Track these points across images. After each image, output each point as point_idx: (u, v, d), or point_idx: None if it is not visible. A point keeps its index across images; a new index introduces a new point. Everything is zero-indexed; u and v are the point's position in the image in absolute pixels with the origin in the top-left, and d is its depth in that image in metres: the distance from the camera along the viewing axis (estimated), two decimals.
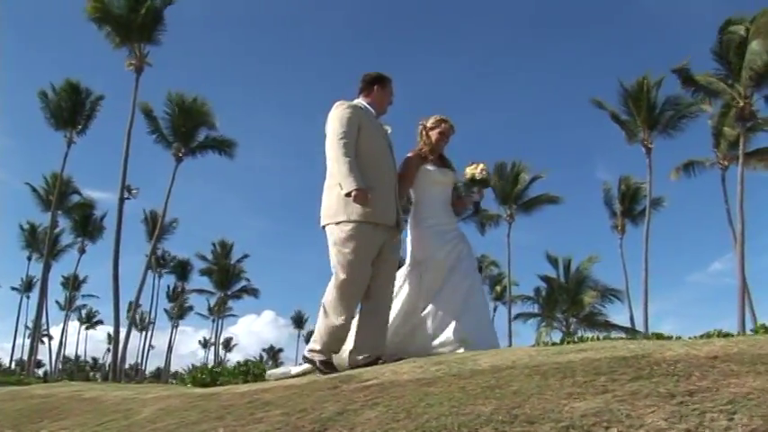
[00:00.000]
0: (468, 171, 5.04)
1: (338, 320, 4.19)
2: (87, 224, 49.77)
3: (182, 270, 63.97)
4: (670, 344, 2.86)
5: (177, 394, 4.55)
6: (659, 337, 6.64)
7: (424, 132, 4.97)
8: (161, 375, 65.99)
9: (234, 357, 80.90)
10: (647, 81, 33.04)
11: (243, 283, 61.90)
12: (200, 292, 63.67)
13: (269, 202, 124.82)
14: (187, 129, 35.98)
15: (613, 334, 31.79)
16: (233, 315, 68.83)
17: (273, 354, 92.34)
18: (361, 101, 4.61)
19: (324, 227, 4.40)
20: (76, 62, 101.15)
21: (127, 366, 49.22)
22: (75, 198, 47.50)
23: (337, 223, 4.26)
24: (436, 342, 4.48)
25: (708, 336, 5.71)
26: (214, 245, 60.79)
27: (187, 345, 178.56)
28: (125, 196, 33.08)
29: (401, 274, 4.79)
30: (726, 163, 33.90)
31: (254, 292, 62.50)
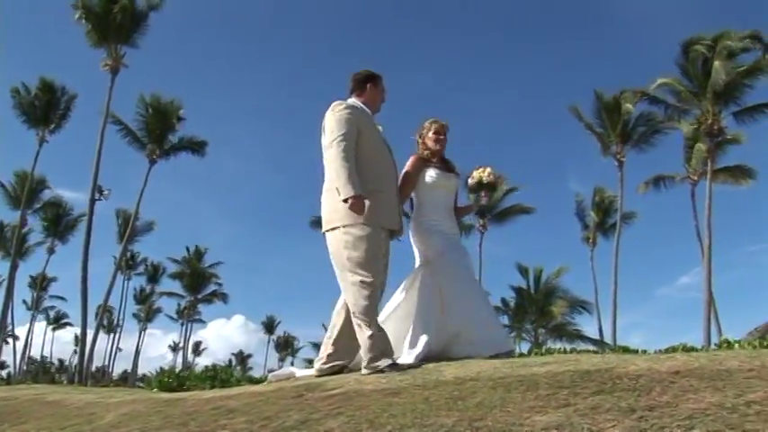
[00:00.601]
0: (476, 174, 4.96)
1: (369, 330, 3.91)
2: (58, 224, 49.14)
3: (153, 273, 63.44)
4: (633, 358, 2.89)
5: (142, 399, 4.51)
6: (625, 350, 6.72)
7: (420, 141, 4.91)
8: (128, 378, 65.27)
9: (203, 362, 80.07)
10: (621, 96, 33.44)
11: (214, 287, 61.55)
12: (170, 294, 63.09)
13: (241, 207, 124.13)
14: (161, 131, 35.73)
15: (582, 345, 32.10)
16: (201, 320, 68.17)
17: (242, 359, 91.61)
18: (355, 101, 4.44)
19: (326, 231, 4.21)
20: (50, 60, 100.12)
21: (94, 369, 48.63)
22: (47, 196, 46.95)
23: (345, 227, 4.06)
24: (467, 344, 4.34)
25: (673, 349, 5.79)
26: (188, 249, 60.39)
27: (156, 348, 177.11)
28: (96, 197, 32.74)
29: (412, 274, 4.71)
30: (695, 178, 34.35)
31: (223, 297, 62.14)
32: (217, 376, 7.49)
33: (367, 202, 3.98)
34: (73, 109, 38.11)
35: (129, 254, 54.99)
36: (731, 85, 28.25)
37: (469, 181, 5.00)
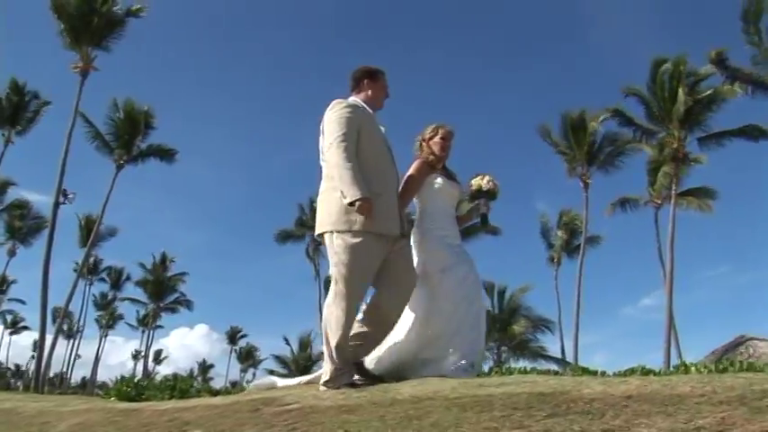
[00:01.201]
0: (475, 182, 4.84)
1: (339, 341, 3.84)
2: (21, 226, 48.28)
3: (116, 279, 62.58)
4: (588, 381, 2.91)
5: (97, 408, 4.44)
6: (584, 370, 6.76)
7: (424, 145, 4.76)
8: (87, 386, 64.18)
9: (164, 370, 79.01)
10: (587, 117, 33.86)
11: (177, 295, 60.83)
12: (133, 301, 62.29)
13: (207, 214, 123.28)
14: (131, 136, 35.35)
15: (544, 364, 32.29)
16: (160, 326, 67.26)
17: (204, 369, 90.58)
18: (356, 99, 4.30)
19: (322, 234, 4.09)
20: (18, 60, 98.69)
21: (51, 375, 47.84)
22: (10, 198, 46.14)
23: (338, 232, 3.93)
24: (454, 361, 4.17)
25: (631, 371, 5.84)
26: (154, 256, 59.68)
27: (117, 355, 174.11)
28: (61, 200, 32.28)
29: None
30: (659, 201, 34.85)
31: (187, 304, 61.43)
32: (176, 386, 7.38)
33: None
34: (43, 113, 37.57)
35: (92, 259, 54.22)
36: (695, 111, 28.73)
37: (469, 188, 4.88)
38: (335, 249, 3.93)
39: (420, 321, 4.34)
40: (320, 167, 4.17)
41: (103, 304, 64.79)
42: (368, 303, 4.16)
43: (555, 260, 43.08)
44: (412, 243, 4.50)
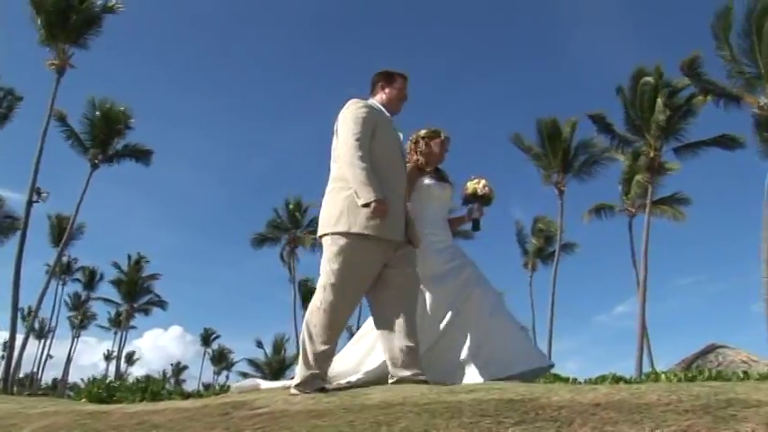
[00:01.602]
0: (470, 186, 4.75)
1: (322, 346, 3.72)
2: None
3: (89, 279, 61.94)
4: (557, 388, 2.93)
5: (65, 411, 4.39)
6: (557, 377, 6.82)
7: (421, 142, 4.65)
8: (58, 387, 63.44)
9: (136, 371, 78.38)
10: (563, 124, 34.17)
11: (150, 296, 60.34)
12: (106, 301, 61.67)
13: (182, 216, 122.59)
14: (107, 136, 35.06)
15: None
16: (134, 327, 66.69)
17: (178, 371, 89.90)
18: (373, 101, 4.21)
19: (321, 237, 3.96)
20: None
21: (22, 375, 47.25)
22: None
23: (335, 235, 3.81)
24: (459, 368, 4.09)
25: (603, 379, 5.91)
26: (129, 256, 59.14)
27: (90, 356, 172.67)
28: (34, 199, 31.89)
29: None
30: (633, 210, 35.20)
31: (161, 305, 60.93)
32: (148, 388, 7.34)
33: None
34: (15, 110, 37.11)
35: (66, 259, 53.71)
36: (672, 121, 29.07)
37: (463, 192, 4.78)
38: (330, 253, 3.82)
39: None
40: (326, 169, 4.08)
41: (76, 304, 64.11)
42: (373, 317, 4.05)
43: (530, 266, 43.36)
44: None
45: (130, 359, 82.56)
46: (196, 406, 3.57)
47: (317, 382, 3.70)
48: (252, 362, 55.81)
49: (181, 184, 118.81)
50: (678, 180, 34.85)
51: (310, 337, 3.76)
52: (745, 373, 6.23)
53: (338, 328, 3.83)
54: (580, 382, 5.43)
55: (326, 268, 3.82)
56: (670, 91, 29.18)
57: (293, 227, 46.46)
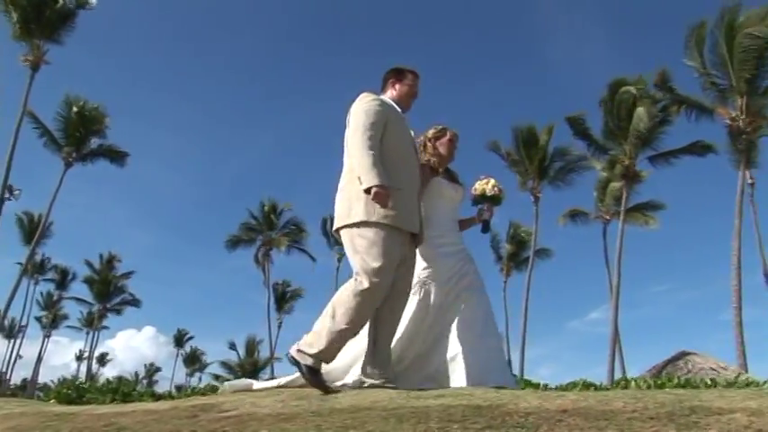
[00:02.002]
0: (479, 186, 4.66)
1: (344, 326, 3.62)
2: None
3: (61, 278, 61.27)
4: (525, 395, 2.95)
5: (32, 412, 4.34)
6: (527, 383, 6.87)
7: (429, 144, 4.59)
8: (27, 387, 62.62)
9: (109, 372, 77.77)
10: (540, 131, 34.41)
11: (124, 296, 59.83)
12: (78, 301, 61.07)
13: (157, 216, 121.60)
14: (81, 134, 34.76)
15: None
16: (106, 327, 65.98)
17: (151, 372, 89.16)
18: (384, 97, 4.17)
19: (339, 229, 3.92)
20: None
21: None
22: None
23: (358, 225, 3.76)
24: (448, 374, 4.05)
25: (573, 385, 5.95)
26: (101, 256, 58.59)
27: (61, 356, 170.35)
28: (6, 196, 31.52)
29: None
30: (608, 217, 35.55)
31: (135, 303, 60.41)
32: (119, 389, 7.29)
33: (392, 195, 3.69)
34: None
35: (38, 257, 53.13)
36: (649, 130, 29.40)
37: (472, 193, 4.69)
38: (357, 245, 3.76)
39: (415, 326, 4.20)
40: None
41: (48, 304, 63.39)
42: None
43: (504, 271, 43.59)
44: None
45: (103, 360, 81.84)
46: (165, 408, 3.55)
47: (313, 360, 3.63)
48: (225, 364, 55.52)
49: (156, 185, 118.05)
50: (653, 189, 35.37)
51: (333, 315, 3.67)
52: (712, 380, 6.30)
53: (367, 315, 3.75)
54: (551, 389, 5.46)
55: (361, 258, 3.73)
56: (649, 101, 29.48)
57: (268, 229, 46.39)
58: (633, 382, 6.16)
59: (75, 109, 34.73)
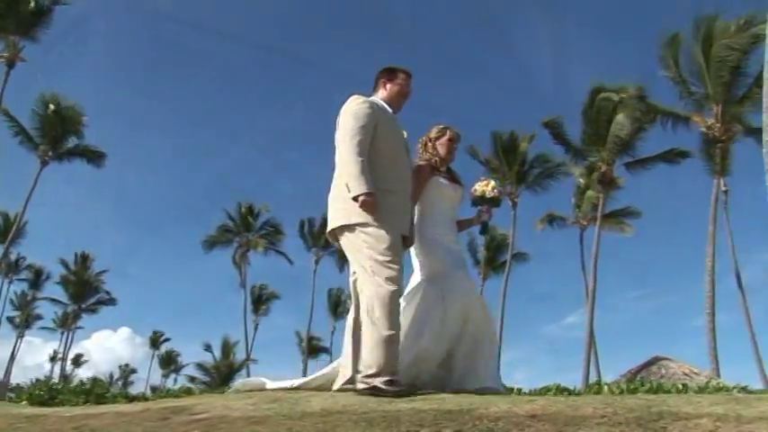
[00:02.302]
0: (479, 188, 4.67)
1: (388, 331, 3.54)
2: None
3: (36, 277, 60.55)
4: (496, 399, 2.96)
5: (1, 414, 4.29)
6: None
7: (429, 144, 4.59)
8: None
9: (84, 373, 76.67)
10: (519, 136, 34.61)
11: (99, 295, 59.25)
12: (53, 301, 60.35)
13: (133, 217, 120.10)
14: (58, 133, 34.42)
15: None
16: (80, 328, 65.24)
17: (126, 373, 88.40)
18: (375, 98, 4.15)
19: (334, 230, 3.91)
20: None
21: None
22: None
23: (358, 225, 3.74)
24: (470, 375, 4.05)
25: (547, 390, 5.97)
26: (76, 255, 57.97)
27: (35, 357, 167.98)
28: None
29: (413, 288, 4.28)
30: (585, 223, 35.81)
31: (111, 301, 59.82)
32: (92, 391, 7.20)
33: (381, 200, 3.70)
34: None
35: (12, 256, 52.52)
36: (629, 136, 29.64)
37: (472, 194, 4.69)
38: (360, 244, 3.74)
39: (427, 316, 4.14)
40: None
41: (22, 303, 62.59)
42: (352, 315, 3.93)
43: (482, 274, 43.74)
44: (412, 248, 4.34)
45: (78, 361, 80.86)
46: (136, 410, 3.53)
47: (382, 378, 3.51)
48: (200, 365, 55.11)
49: (132, 185, 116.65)
50: (629, 195, 35.60)
51: (373, 325, 3.60)
52: (684, 385, 6.35)
53: (398, 313, 3.69)
54: (525, 393, 5.49)
55: (369, 258, 3.70)
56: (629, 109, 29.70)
57: (245, 230, 46.25)
58: (606, 387, 6.20)
59: (51, 107, 34.35)
